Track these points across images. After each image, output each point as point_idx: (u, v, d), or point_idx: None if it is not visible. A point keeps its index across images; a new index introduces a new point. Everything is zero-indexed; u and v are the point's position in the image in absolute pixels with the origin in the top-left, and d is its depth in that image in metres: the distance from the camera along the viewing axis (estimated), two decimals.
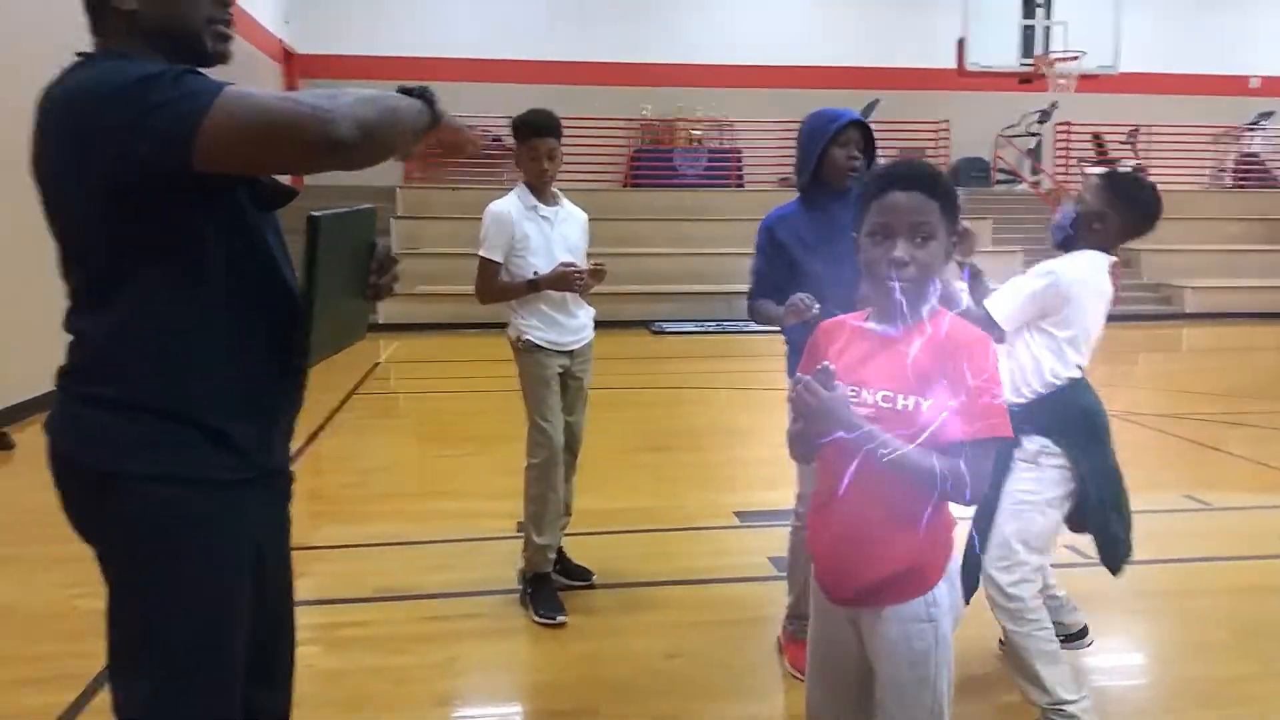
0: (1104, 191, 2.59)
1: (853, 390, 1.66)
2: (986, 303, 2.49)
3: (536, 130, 3.24)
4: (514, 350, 3.39)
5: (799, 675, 2.70)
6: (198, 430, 1.52)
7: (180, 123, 1.35)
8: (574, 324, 3.39)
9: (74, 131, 1.41)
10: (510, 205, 3.31)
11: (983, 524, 2.60)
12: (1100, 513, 2.55)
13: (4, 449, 5.68)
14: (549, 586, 3.33)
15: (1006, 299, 2.52)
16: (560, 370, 3.37)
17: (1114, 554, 2.60)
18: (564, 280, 3.26)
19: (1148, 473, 5.27)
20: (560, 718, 2.65)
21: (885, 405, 1.64)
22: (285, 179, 1.68)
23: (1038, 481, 2.54)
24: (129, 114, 1.36)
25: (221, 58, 1.61)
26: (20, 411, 6.26)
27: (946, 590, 1.71)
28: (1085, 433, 2.56)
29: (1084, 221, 2.60)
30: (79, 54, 1.53)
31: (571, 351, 3.39)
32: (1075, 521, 2.62)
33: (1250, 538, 4.11)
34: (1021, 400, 2.54)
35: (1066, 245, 2.64)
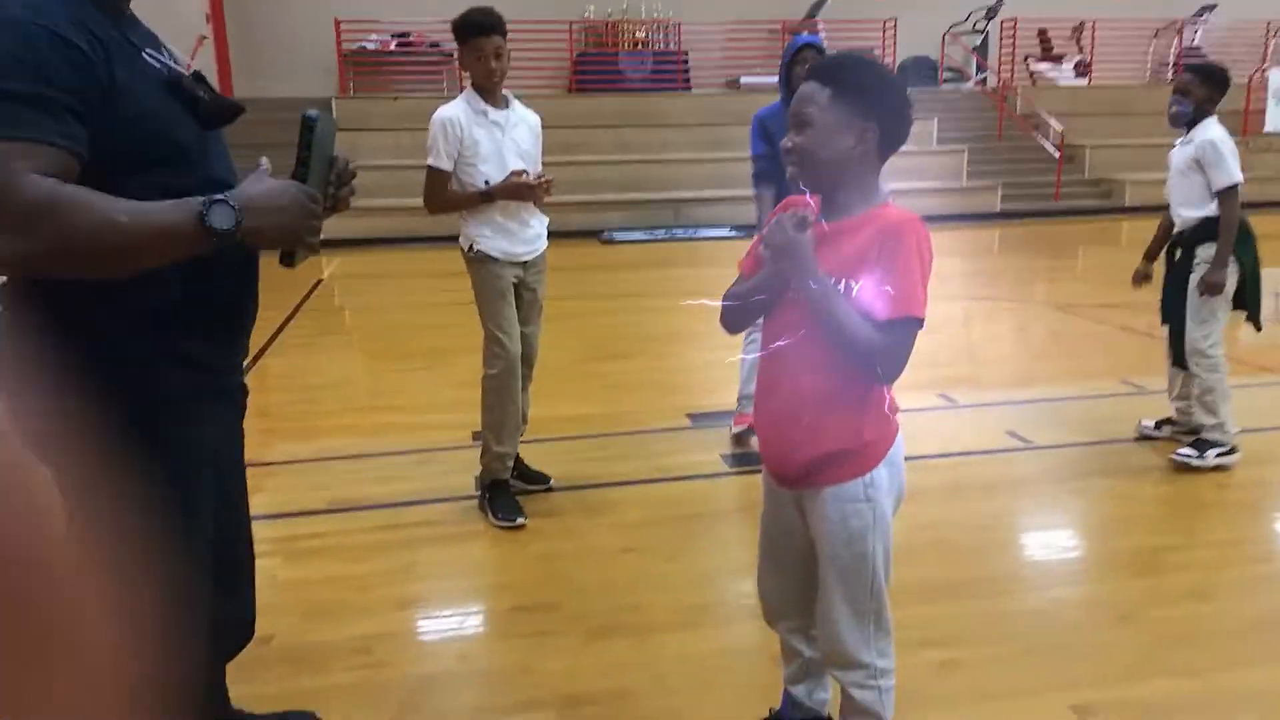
0: (1202, 81, 3.65)
1: None
2: (1222, 174, 3.55)
3: (480, 28, 3.07)
4: (466, 261, 3.29)
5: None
6: (150, 346, 1.51)
7: None
8: (528, 233, 3.29)
9: None
10: (458, 110, 3.16)
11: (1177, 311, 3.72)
12: (1255, 289, 3.68)
13: None
14: (507, 491, 3.35)
15: (1228, 161, 3.56)
16: (515, 280, 3.29)
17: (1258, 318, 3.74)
18: (518, 190, 3.15)
19: (1086, 360, 5.44)
20: (522, 613, 2.72)
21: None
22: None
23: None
24: None
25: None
26: None
27: (886, 474, 1.77)
28: (1243, 234, 3.63)
29: (1198, 104, 3.64)
30: None
31: (525, 262, 3.31)
32: (1237, 300, 3.67)
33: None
34: (1203, 215, 3.63)
35: (1192, 122, 3.66)
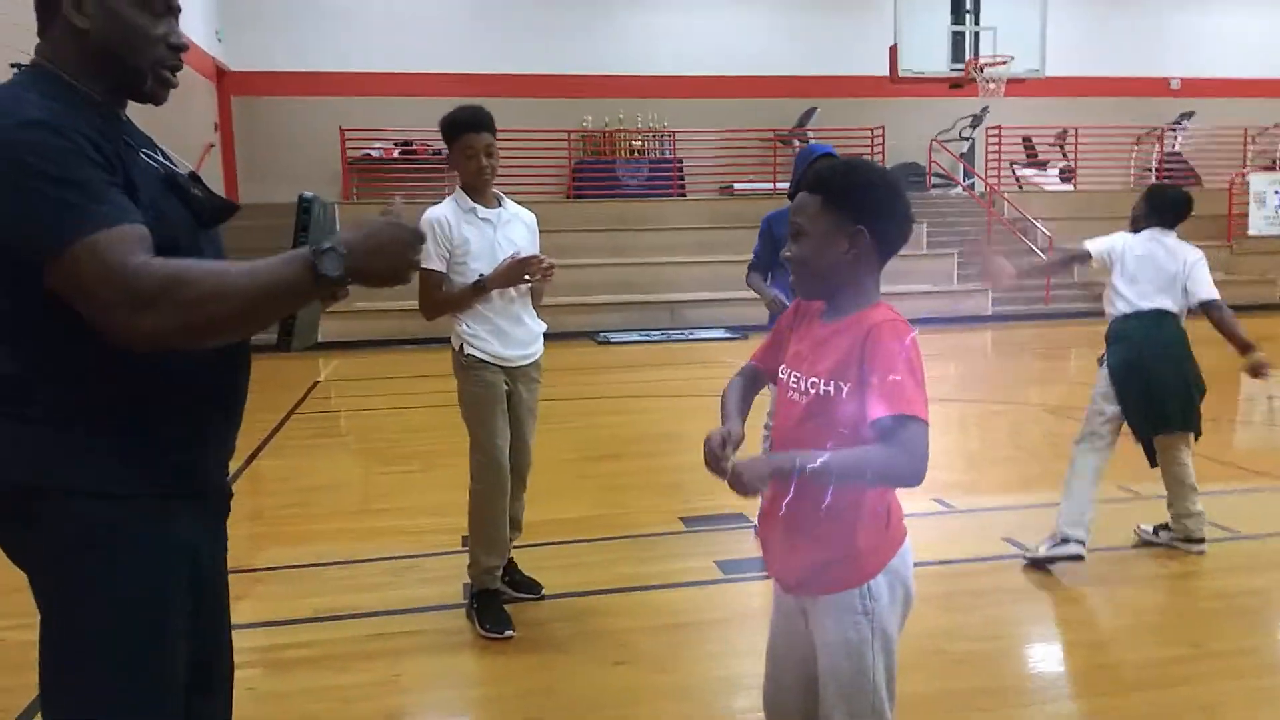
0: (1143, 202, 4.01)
1: (796, 375, 1.74)
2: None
3: (468, 125, 3.04)
4: (456, 366, 3.22)
5: None
6: (130, 443, 1.48)
7: (46, 236, 1.31)
8: (523, 335, 3.21)
9: None
10: (446, 210, 3.12)
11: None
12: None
13: None
14: (497, 601, 3.26)
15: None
16: (507, 388, 3.20)
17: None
18: (514, 272, 3.04)
19: None
20: None
21: (812, 390, 1.71)
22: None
23: None
24: (5, 179, 1.33)
25: (156, 100, 1.57)
26: None
27: (887, 586, 1.72)
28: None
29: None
30: (13, 65, 1.51)
31: (518, 368, 3.22)
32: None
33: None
34: None
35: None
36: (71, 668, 1.49)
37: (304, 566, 3.92)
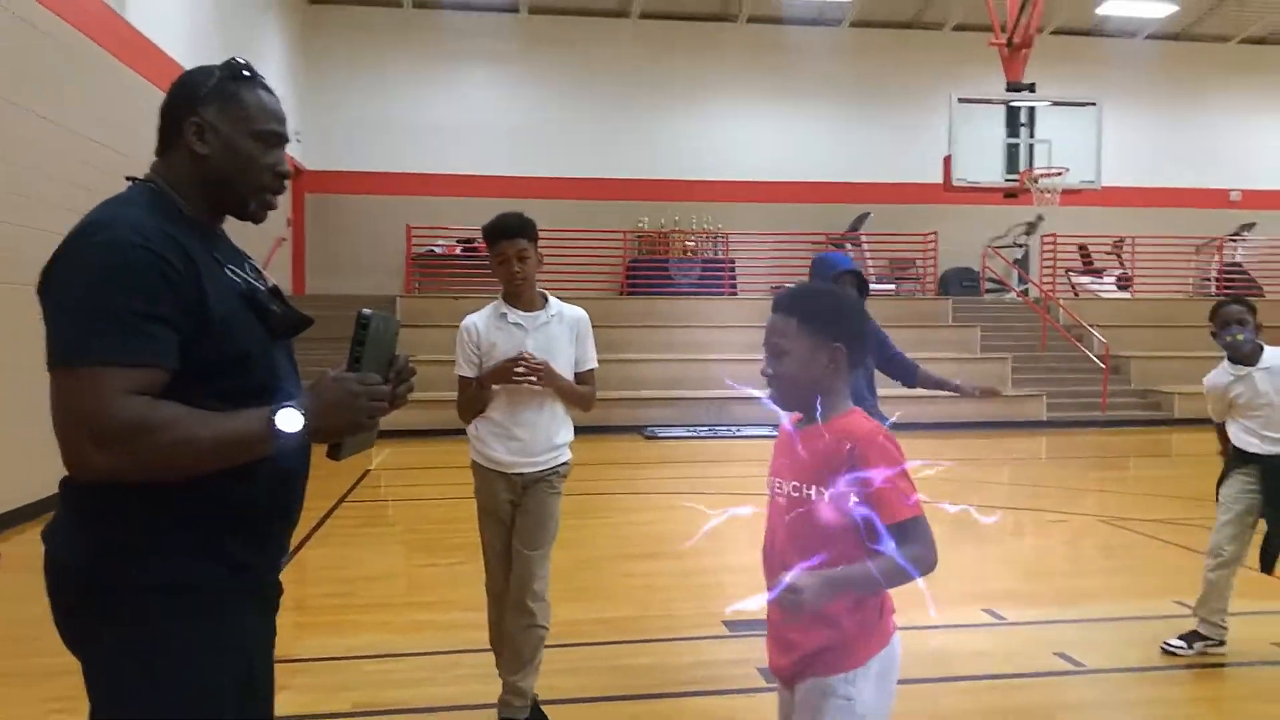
0: (1251, 311, 3.84)
1: (777, 482, 1.86)
2: None
3: (502, 233, 3.06)
4: None
5: None
6: (193, 541, 1.55)
7: (57, 351, 1.43)
8: (530, 442, 3.08)
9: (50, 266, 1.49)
10: (478, 317, 3.15)
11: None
12: None
13: None
14: None
15: None
16: (509, 499, 3.11)
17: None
18: (500, 371, 3.01)
19: (1137, 577, 5.24)
20: None
21: (794, 494, 1.81)
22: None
23: None
24: (55, 287, 1.47)
25: (255, 220, 1.70)
26: (8, 520, 6.24)
27: (876, 675, 1.77)
28: None
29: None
30: (129, 179, 1.65)
31: (523, 475, 3.09)
32: None
33: (1237, 643, 4.06)
34: None
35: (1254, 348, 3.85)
36: None
37: (344, 659, 3.94)
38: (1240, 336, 3.74)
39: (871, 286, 15.49)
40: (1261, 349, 3.79)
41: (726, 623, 4.34)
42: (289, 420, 1.46)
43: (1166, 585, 5.01)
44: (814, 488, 1.77)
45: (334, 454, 1.62)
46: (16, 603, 4.67)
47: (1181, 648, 3.87)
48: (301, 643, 4.03)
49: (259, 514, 1.64)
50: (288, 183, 1.74)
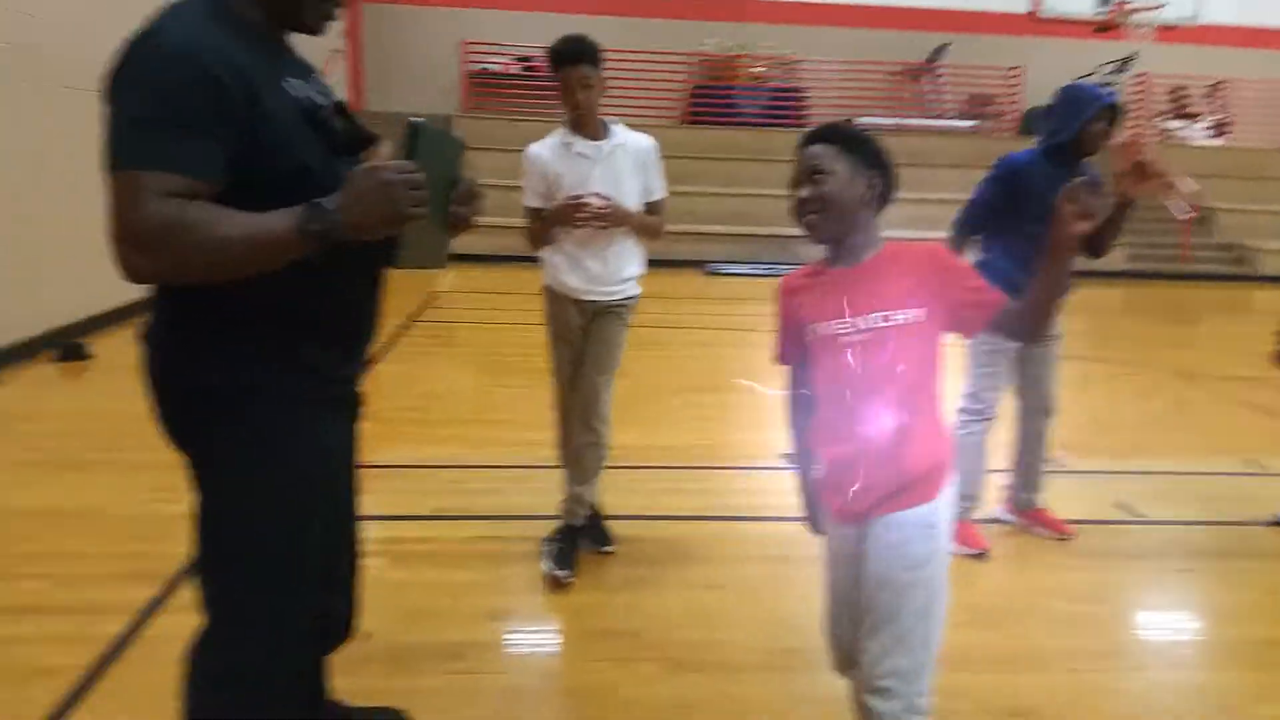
0: None
1: (844, 324, 1.81)
2: None
3: (566, 58, 2.94)
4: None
5: (969, 550, 3.40)
6: (280, 350, 1.62)
7: (106, 156, 1.43)
8: (604, 272, 3.11)
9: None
10: (544, 146, 3.09)
11: None
12: None
13: (80, 359, 5.92)
14: (570, 541, 3.25)
15: None
16: (580, 323, 3.16)
17: None
18: (562, 214, 2.99)
19: (1205, 434, 5.20)
20: (603, 637, 2.76)
21: (884, 324, 1.79)
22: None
23: None
24: (112, 93, 1.46)
25: (315, 32, 1.64)
26: (98, 323, 6.51)
27: (950, 500, 1.84)
28: None
29: None
30: None
31: (595, 302, 3.13)
32: None
33: None
34: None
35: None
36: (227, 547, 1.66)
37: (421, 467, 4.13)
38: None
39: (949, 123, 14.85)
40: None
41: (785, 454, 4.43)
42: (317, 219, 1.45)
43: (1233, 443, 4.96)
44: (909, 310, 1.78)
45: (393, 260, 1.62)
46: (112, 398, 4.95)
47: None
48: (381, 451, 4.22)
49: (335, 323, 1.69)
50: None
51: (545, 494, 3.74)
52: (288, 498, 1.66)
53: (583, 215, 2.98)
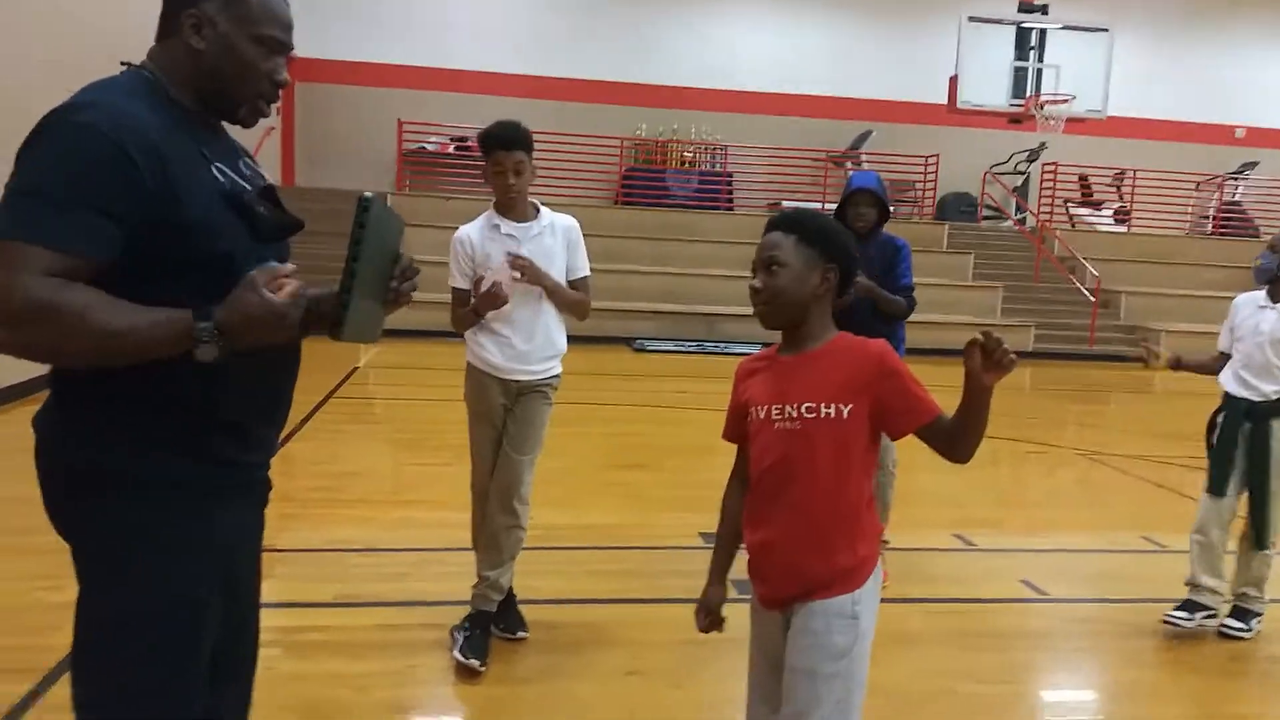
0: None
1: (777, 408, 1.84)
2: None
3: (501, 143, 3.00)
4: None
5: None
6: (184, 436, 1.56)
7: None
8: (527, 349, 3.11)
9: None
10: (472, 229, 3.14)
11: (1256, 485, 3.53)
12: None
13: None
14: (484, 626, 3.14)
15: None
16: (503, 404, 3.14)
17: None
18: (489, 299, 2.98)
19: (1108, 511, 5.36)
20: None
21: (809, 415, 1.80)
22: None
23: None
24: (17, 160, 1.43)
25: (245, 125, 1.65)
26: None
27: (872, 592, 1.84)
28: None
29: None
30: (123, 63, 1.59)
31: (519, 383, 3.13)
32: None
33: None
34: None
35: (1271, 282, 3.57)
36: (105, 644, 1.56)
37: (328, 551, 4.02)
38: (1259, 262, 3.56)
39: None
40: (1271, 280, 3.53)
41: (704, 534, 4.44)
42: (207, 351, 1.44)
43: (1136, 519, 5.13)
44: (835, 405, 1.79)
45: (335, 334, 1.60)
46: (3, 481, 4.72)
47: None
48: (285, 534, 4.10)
49: (241, 408, 1.63)
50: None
51: (457, 578, 3.67)
52: (173, 593, 1.57)
53: (500, 296, 2.99)
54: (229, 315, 1.45)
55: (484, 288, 3.00)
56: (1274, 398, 3.50)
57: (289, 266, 1.48)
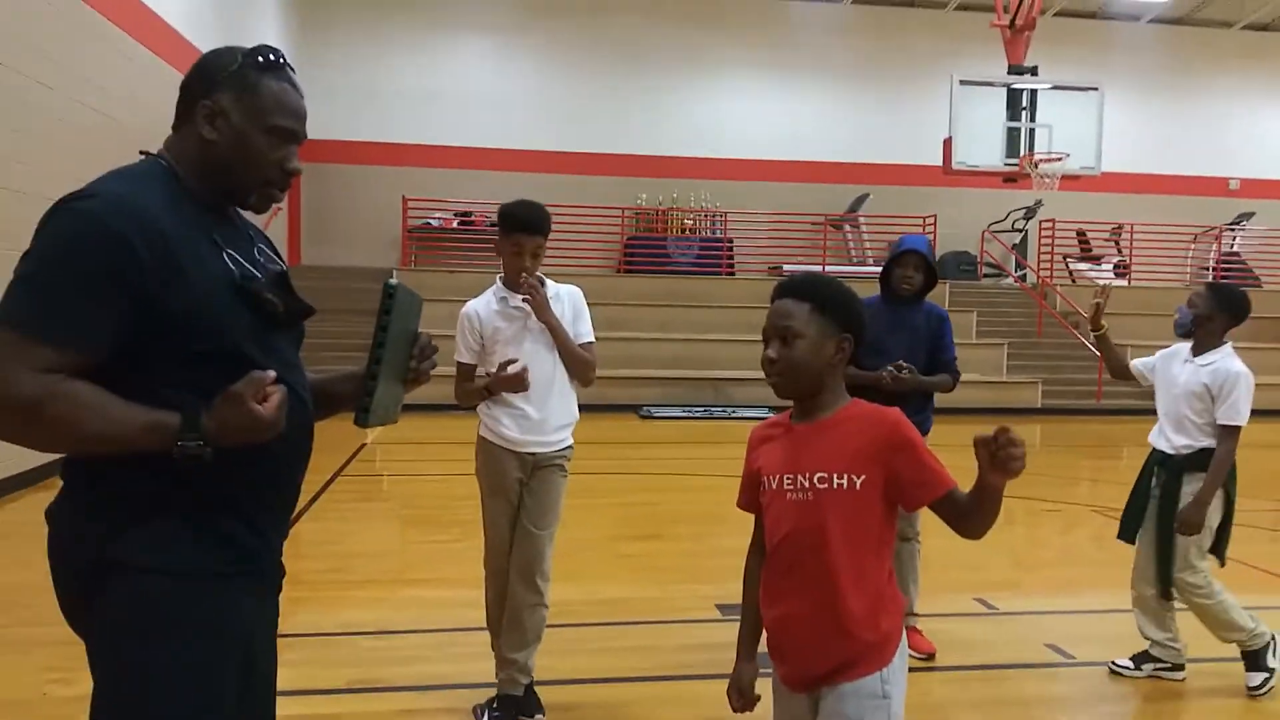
0: (1213, 299, 3.50)
1: (789, 478, 1.81)
2: (1236, 412, 3.42)
3: (524, 226, 3.03)
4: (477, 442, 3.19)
5: (919, 654, 3.62)
6: (195, 524, 1.54)
7: None
8: (547, 421, 3.10)
9: None
10: (480, 304, 3.15)
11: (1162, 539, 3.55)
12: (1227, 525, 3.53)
13: None
14: (510, 713, 3.09)
15: (1245, 401, 3.42)
16: (519, 478, 3.10)
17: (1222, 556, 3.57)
18: (512, 381, 2.97)
19: (1128, 570, 5.26)
20: None
21: (821, 485, 1.77)
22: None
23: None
24: (31, 243, 1.45)
25: (257, 211, 1.68)
26: (7, 487, 6.22)
27: (900, 669, 1.79)
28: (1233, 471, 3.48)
29: (1198, 318, 3.52)
30: (142, 152, 1.62)
31: (535, 454, 3.10)
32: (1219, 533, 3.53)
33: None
34: (1201, 446, 3.46)
35: (1198, 341, 3.56)
36: None
37: (339, 635, 3.95)
38: (1176, 316, 3.62)
39: (870, 269, 15.55)
40: (1200, 340, 3.52)
41: (720, 605, 4.36)
42: (190, 452, 1.45)
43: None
44: (847, 475, 1.75)
45: (360, 421, 1.61)
46: (13, 570, 4.68)
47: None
48: (295, 618, 4.03)
49: (258, 498, 1.62)
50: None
51: (474, 659, 3.61)
52: (188, 685, 1.54)
53: (524, 381, 2.97)
54: (216, 427, 1.45)
55: (511, 370, 2.97)
56: (1185, 452, 3.48)
57: (271, 374, 1.48)
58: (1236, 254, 17.43)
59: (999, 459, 1.56)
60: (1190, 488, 3.45)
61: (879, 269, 3.96)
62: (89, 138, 7.20)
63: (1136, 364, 3.82)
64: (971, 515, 1.71)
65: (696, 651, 3.87)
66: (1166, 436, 3.56)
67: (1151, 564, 3.60)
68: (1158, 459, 3.61)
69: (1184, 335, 3.60)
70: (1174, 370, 3.57)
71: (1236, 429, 3.42)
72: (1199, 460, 3.45)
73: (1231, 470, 3.46)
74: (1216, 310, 3.47)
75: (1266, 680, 3.47)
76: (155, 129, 1.66)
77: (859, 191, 16.63)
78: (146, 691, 1.52)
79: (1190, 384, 3.48)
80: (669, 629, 4.14)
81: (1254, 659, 3.50)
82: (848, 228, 16.50)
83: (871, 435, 1.78)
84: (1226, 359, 3.47)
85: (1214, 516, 3.46)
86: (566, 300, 3.18)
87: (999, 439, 1.56)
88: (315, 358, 4.62)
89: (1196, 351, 3.53)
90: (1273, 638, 3.51)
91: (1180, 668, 3.60)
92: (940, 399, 3.90)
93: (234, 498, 1.58)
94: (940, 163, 14.12)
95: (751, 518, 1.96)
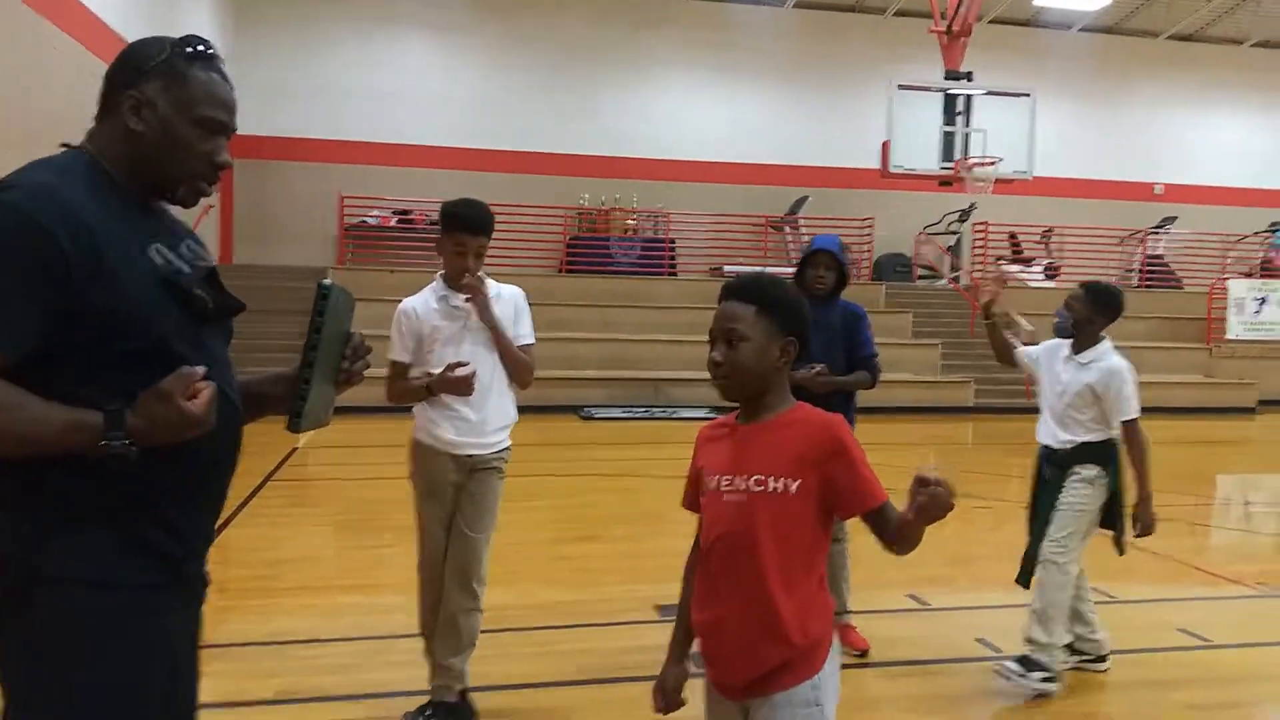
0: (1088, 299, 3.61)
1: (727, 479, 1.80)
2: (1128, 408, 3.53)
3: (467, 225, 2.98)
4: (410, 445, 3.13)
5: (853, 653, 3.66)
6: (113, 533, 1.49)
7: None
8: (479, 421, 3.04)
9: None
10: (418, 302, 3.09)
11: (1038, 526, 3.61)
12: (1119, 515, 3.61)
13: None
14: (442, 717, 3.04)
15: (1132, 395, 3.55)
16: (455, 480, 3.05)
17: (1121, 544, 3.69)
18: (457, 384, 2.90)
19: None
20: None
21: (757, 489, 1.76)
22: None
23: (1090, 496, 3.56)
24: None
25: (185, 205, 1.62)
26: None
27: (830, 674, 1.79)
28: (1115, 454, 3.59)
29: (1077, 320, 3.62)
30: (62, 145, 1.55)
31: (471, 457, 3.06)
32: (1104, 521, 3.63)
33: (1150, 628, 4.21)
34: (1083, 440, 3.57)
35: (1079, 341, 3.64)
36: None
37: (268, 644, 3.85)
38: (1056, 319, 3.72)
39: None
40: (1081, 341, 3.61)
41: (659, 606, 4.36)
42: (118, 451, 1.40)
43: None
44: (784, 479, 1.75)
45: (293, 426, 1.57)
46: None
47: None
48: (223, 627, 3.92)
49: (183, 503, 1.57)
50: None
51: (406, 667, 3.55)
52: (117, 708, 1.49)
53: (470, 386, 2.91)
54: (143, 425, 1.40)
55: (460, 373, 2.90)
56: (1069, 446, 3.59)
57: (200, 370, 1.43)
58: (1160, 256, 18.02)
59: (923, 506, 1.60)
60: (1081, 475, 3.55)
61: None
62: (7, 130, 6.93)
63: (1020, 353, 3.93)
64: (896, 537, 1.74)
65: (635, 654, 3.86)
66: (1053, 432, 3.66)
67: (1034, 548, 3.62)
68: (1044, 454, 3.70)
69: (1064, 338, 3.71)
70: (1057, 368, 3.67)
71: (1135, 421, 3.53)
72: (1083, 453, 3.56)
73: (1116, 462, 3.56)
74: (1095, 313, 3.59)
75: (1036, 681, 3.43)
76: (81, 121, 1.59)
77: (799, 193, 16.80)
78: (77, 707, 1.47)
79: (1074, 385, 3.58)
80: (607, 631, 4.13)
81: (1034, 665, 3.47)
82: (788, 229, 16.66)
83: (813, 440, 1.78)
84: (1107, 356, 3.58)
85: (1097, 499, 3.56)
86: (508, 301, 3.15)
87: (930, 488, 1.59)
88: (246, 358, 4.47)
89: (1077, 349, 3.63)
90: (1055, 677, 3.47)
91: (1103, 659, 3.69)
92: (876, 398, 3.96)
93: (158, 503, 1.52)
94: (879, 166, 14.33)
95: (694, 518, 1.95)
